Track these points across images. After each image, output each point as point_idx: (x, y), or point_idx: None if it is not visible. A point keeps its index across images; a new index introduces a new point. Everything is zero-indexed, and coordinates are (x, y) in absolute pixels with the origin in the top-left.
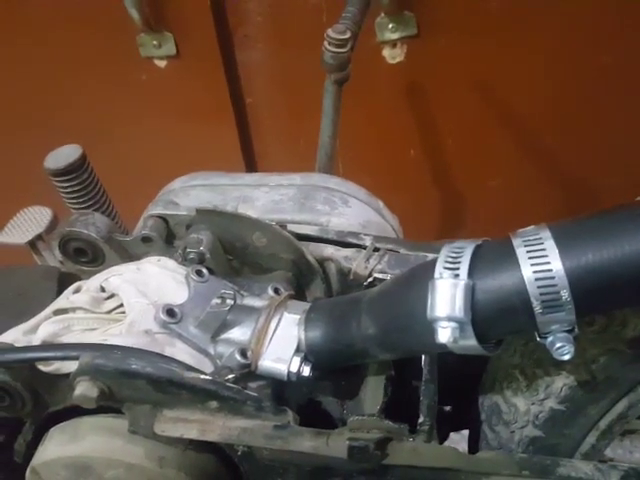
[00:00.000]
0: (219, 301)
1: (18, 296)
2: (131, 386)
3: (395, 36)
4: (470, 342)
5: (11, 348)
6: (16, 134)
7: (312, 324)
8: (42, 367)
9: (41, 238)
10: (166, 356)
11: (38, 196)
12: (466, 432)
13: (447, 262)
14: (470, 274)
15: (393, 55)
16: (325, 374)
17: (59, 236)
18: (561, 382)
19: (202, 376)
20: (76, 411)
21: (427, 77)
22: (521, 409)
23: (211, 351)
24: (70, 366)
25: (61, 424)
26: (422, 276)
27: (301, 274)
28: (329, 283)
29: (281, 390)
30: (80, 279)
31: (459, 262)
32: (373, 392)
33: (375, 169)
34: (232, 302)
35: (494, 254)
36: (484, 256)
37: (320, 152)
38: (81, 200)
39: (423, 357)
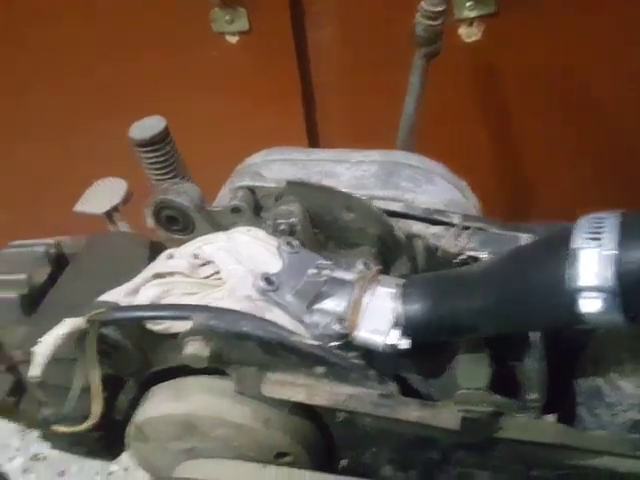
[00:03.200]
0: (315, 271)
1: (112, 261)
2: (241, 348)
3: (473, 14)
4: (613, 314)
5: (126, 306)
6: (91, 109)
7: (411, 298)
8: (152, 326)
9: (117, 209)
10: (273, 322)
11: (112, 168)
12: None
13: (588, 232)
14: (616, 244)
15: (469, 34)
16: (409, 351)
17: (153, 204)
18: None
19: (311, 341)
20: (176, 372)
21: (503, 57)
22: (627, 392)
23: (306, 320)
24: (179, 326)
25: (164, 383)
26: (555, 246)
27: (387, 250)
28: (415, 260)
29: (370, 364)
30: (166, 248)
31: (602, 232)
32: (472, 368)
33: (446, 149)
34: (329, 273)
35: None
36: (627, 227)
37: (402, 128)
38: (164, 171)
39: (531, 335)
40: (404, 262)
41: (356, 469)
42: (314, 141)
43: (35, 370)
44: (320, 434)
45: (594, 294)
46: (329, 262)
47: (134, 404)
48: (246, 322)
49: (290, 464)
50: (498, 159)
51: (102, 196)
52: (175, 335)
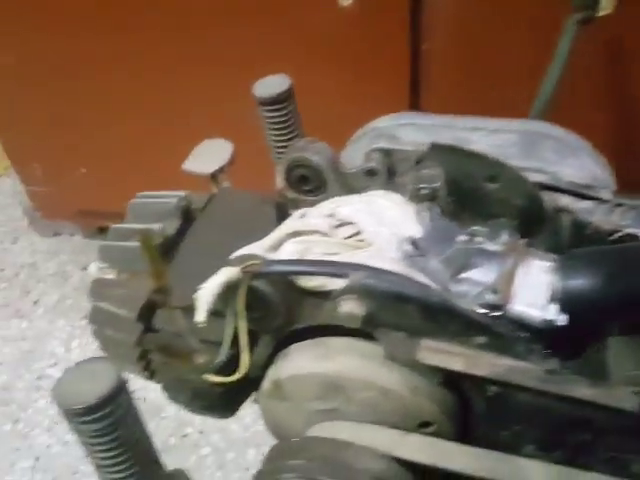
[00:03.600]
0: (467, 238)
1: (240, 217)
2: (397, 311)
3: None
4: None
5: (283, 260)
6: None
7: (574, 272)
8: (305, 283)
9: (222, 170)
10: (430, 286)
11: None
12: None
13: None
14: None
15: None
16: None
17: (288, 161)
18: None
19: (478, 309)
20: (315, 332)
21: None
22: None
23: (452, 288)
24: (333, 284)
25: (307, 341)
26: None
27: (529, 223)
28: (559, 236)
29: None
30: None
31: None
32: (630, 349)
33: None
34: (480, 241)
35: None
36: None
37: (541, 97)
38: (287, 130)
39: None
40: (547, 238)
41: (491, 447)
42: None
43: (200, 315)
44: (462, 408)
45: None
46: (481, 229)
47: (268, 362)
48: (408, 284)
49: (433, 434)
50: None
51: (208, 156)
52: (322, 293)
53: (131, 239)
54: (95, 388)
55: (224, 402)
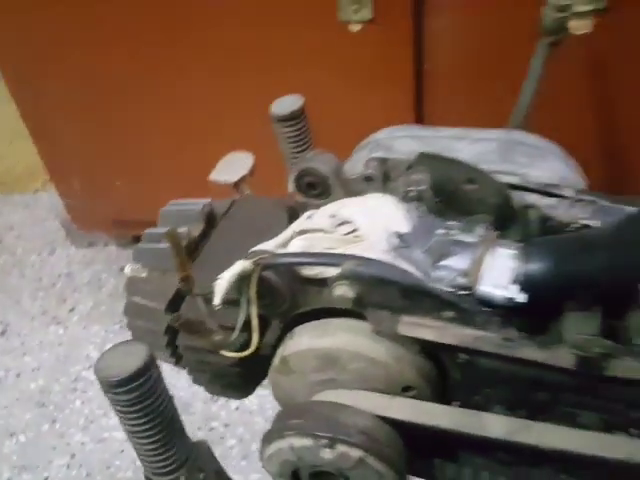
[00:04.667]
0: (444, 231)
1: (257, 220)
2: (381, 292)
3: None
4: None
5: (287, 253)
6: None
7: (532, 257)
8: (305, 272)
9: (244, 179)
10: (409, 271)
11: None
12: None
13: None
14: None
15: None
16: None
17: (298, 170)
18: None
19: (446, 288)
20: (317, 315)
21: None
22: None
23: (432, 274)
24: (328, 272)
25: (309, 323)
26: None
27: (502, 219)
28: (528, 228)
29: None
30: (300, 212)
31: None
32: (583, 319)
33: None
34: (455, 233)
35: None
36: None
37: (517, 111)
38: (300, 143)
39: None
40: (517, 230)
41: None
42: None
43: (217, 300)
44: (440, 375)
45: None
46: (457, 223)
47: (277, 343)
48: (389, 270)
49: (414, 397)
50: (600, 145)
51: (232, 167)
52: (320, 281)
53: (161, 242)
54: (128, 363)
55: (240, 382)
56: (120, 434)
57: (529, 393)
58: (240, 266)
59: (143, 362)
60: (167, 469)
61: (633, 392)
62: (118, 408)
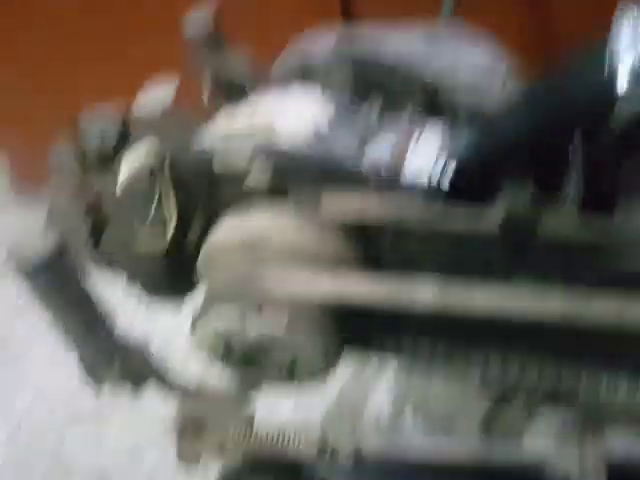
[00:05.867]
0: (366, 114)
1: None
2: (299, 173)
3: None
4: None
5: (202, 146)
6: None
7: (455, 136)
8: (221, 163)
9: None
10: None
11: None
12: None
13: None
14: None
15: None
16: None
17: (214, 75)
18: None
19: (365, 165)
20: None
21: None
22: None
23: (355, 158)
24: (244, 159)
25: (230, 214)
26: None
27: (428, 110)
28: (453, 117)
29: None
30: None
31: None
32: (508, 194)
33: None
34: (377, 114)
35: None
36: None
37: None
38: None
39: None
40: (442, 119)
41: None
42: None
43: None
44: (363, 255)
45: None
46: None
47: (201, 240)
48: (306, 152)
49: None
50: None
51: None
52: (238, 175)
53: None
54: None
55: (173, 281)
56: None
57: (460, 264)
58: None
59: (54, 249)
60: (97, 360)
61: (560, 257)
62: (40, 298)
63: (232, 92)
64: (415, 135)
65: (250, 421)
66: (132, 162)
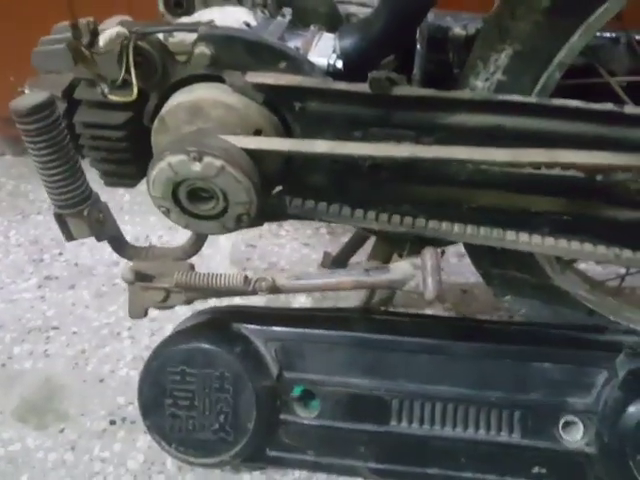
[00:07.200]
0: (281, 18)
1: None
2: (231, 51)
3: None
4: None
5: (154, 24)
6: None
7: (345, 35)
8: (171, 42)
9: None
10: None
11: None
12: None
13: None
14: None
15: None
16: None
17: None
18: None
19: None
20: (186, 83)
21: None
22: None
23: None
24: (189, 39)
25: (180, 89)
26: None
27: (330, 24)
28: None
29: None
30: None
31: None
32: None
33: None
34: (289, 18)
35: None
36: None
37: None
38: None
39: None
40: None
41: None
42: None
43: (101, 44)
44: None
45: None
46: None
47: (156, 110)
48: (237, 30)
49: None
50: None
51: None
52: (186, 53)
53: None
54: (35, 99)
55: (129, 157)
56: (29, 294)
57: (348, 134)
58: (119, 29)
59: (47, 97)
60: (72, 201)
61: (419, 116)
62: (29, 139)
63: (182, 6)
64: (318, 35)
65: (191, 267)
66: (109, 32)
